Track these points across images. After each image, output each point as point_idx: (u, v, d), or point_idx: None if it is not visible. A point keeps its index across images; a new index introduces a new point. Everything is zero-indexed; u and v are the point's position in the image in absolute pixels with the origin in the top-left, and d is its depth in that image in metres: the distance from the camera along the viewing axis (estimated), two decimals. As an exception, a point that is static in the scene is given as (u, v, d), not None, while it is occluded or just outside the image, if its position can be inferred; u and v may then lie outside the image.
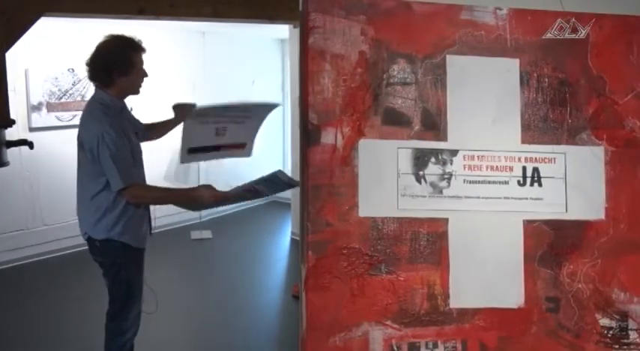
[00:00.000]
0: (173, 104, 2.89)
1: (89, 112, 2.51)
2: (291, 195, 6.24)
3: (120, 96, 2.54)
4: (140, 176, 2.59)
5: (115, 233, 2.51)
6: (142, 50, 2.53)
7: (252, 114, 3.04)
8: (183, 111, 2.84)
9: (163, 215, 5.64)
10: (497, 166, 1.73)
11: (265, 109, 3.11)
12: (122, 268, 2.56)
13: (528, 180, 1.74)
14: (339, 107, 1.66)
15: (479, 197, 1.72)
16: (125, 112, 2.61)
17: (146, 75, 2.57)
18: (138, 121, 2.79)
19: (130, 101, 2.69)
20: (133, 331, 2.65)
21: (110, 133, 2.37)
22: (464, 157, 1.72)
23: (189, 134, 2.84)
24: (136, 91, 2.59)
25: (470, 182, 1.72)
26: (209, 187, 2.53)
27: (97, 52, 2.48)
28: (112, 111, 2.48)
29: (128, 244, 2.54)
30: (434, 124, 1.71)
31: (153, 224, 2.78)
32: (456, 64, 1.71)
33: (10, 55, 2.78)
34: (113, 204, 2.47)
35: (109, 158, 2.37)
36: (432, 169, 1.71)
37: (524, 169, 1.74)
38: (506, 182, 1.73)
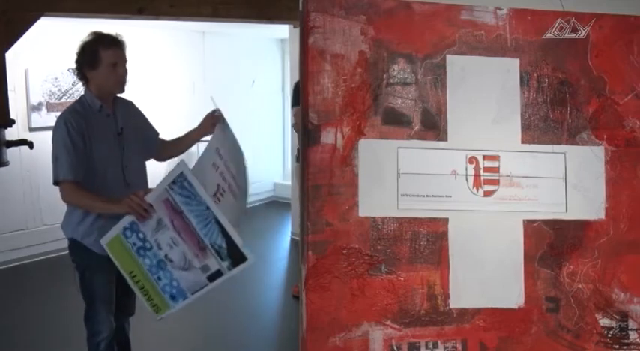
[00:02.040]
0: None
1: (66, 107, 2.51)
2: (291, 195, 6.23)
3: (99, 94, 2.46)
4: (94, 183, 2.41)
5: (79, 233, 2.48)
6: (114, 46, 2.40)
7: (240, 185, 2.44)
8: (210, 120, 2.53)
9: (163, 215, 5.63)
10: (497, 166, 1.73)
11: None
12: (87, 269, 2.53)
13: (528, 180, 1.74)
14: (339, 107, 1.66)
15: (479, 197, 1.72)
16: (106, 112, 2.49)
17: (124, 72, 2.43)
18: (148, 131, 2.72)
19: (130, 100, 2.67)
20: (107, 334, 2.59)
21: (62, 127, 2.38)
22: (464, 156, 1.72)
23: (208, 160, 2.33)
24: (111, 88, 2.45)
25: (470, 182, 1.72)
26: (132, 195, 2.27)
27: (77, 50, 2.47)
28: (87, 109, 2.45)
29: (90, 248, 2.47)
30: (434, 124, 1.71)
31: None
32: (456, 64, 1.71)
33: (10, 55, 2.78)
34: None
35: (53, 151, 2.42)
36: (432, 169, 1.71)
37: (524, 169, 1.74)
38: (506, 182, 1.73)
